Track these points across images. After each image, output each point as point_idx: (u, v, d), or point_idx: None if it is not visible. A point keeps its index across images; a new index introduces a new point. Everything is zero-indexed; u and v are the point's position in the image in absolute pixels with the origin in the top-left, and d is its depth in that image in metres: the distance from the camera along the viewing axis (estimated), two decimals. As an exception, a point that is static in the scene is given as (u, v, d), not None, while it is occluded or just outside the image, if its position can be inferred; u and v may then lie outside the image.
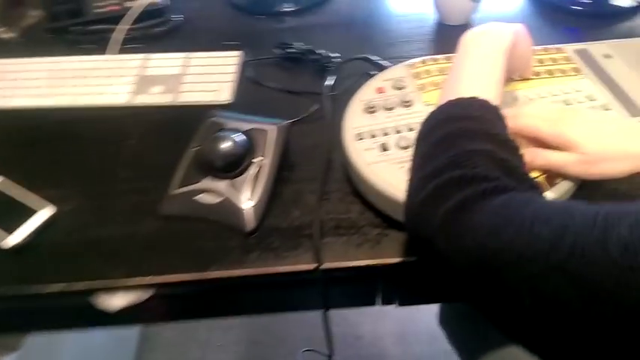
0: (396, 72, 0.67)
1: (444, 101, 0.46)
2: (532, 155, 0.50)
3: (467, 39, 0.55)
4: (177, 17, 0.89)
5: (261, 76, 0.77)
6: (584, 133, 0.47)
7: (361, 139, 0.59)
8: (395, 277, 0.59)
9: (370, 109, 0.62)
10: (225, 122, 0.64)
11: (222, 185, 0.58)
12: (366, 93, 0.65)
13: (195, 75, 0.77)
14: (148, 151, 0.68)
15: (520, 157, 0.42)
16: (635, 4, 0.83)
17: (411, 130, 0.59)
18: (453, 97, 0.45)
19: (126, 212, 0.60)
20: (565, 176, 0.50)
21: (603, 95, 0.61)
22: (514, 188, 0.37)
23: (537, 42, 0.76)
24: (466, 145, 0.40)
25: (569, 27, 0.81)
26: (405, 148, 0.57)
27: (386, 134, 0.59)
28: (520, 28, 0.57)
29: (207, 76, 0.77)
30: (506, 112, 0.51)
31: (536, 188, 0.39)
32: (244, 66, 0.79)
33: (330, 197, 0.60)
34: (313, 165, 0.63)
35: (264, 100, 0.74)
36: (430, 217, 0.37)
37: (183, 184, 0.60)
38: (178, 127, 0.68)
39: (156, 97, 0.74)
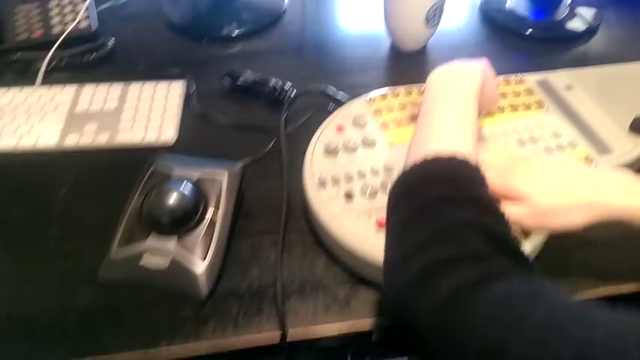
0: (355, 108, 0.63)
1: (418, 157, 0.42)
2: None
3: (434, 82, 0.51)
4: (110, 42, 0.81)
5: (209, 109, 0.71)
6: (535, 183, 0.45)
7: (323, 186, 0.54)
8: (367, 339, 0.54)
9: (331, 151, 0.57)
10: (171, 169, 0.57)
11: (170, 245, 0.52)
12: (326, 132, 0.60)
13: (134, 110, 0.70)
14: (82, 203, 0.60)
15: (505, 220, 0.39)
16: (587, 26, 0.82)
17: (376, 173, 0.55)
18: (428, 152, 0.41)
19: (58, 280, 0.53)
20: (524, 229, 0.48)
21: (569, 131, 0.60)
22: (510, 270, 0.33)
23: (495, 69, 0.74)
24: (450, 213, 0.36)
25: (525, 52, 0.80)
26: (372, 195, 0.53)
27: (350, 179, 0.55)
28: (485, 65, 0.54)
29: (148, 111, 0.69)
30: None
31: (531, 266, 0.36)
32: (189, 98, 0.72)
33: (292, 251, 0.55)
34: (271, 213, 0.58)
35: (212, 138, 0.68)
36: (418, 308, 0.32)
37: (124, 245, 0.53)
38: (117, 174, 0.61)
39: (90, 137, 0.66)
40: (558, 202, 0.44)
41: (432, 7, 0.71)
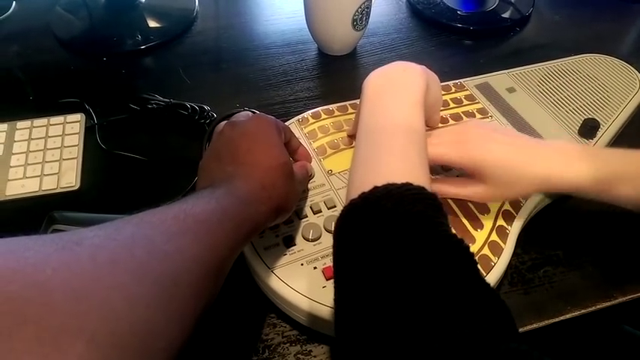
0: (286, 132, 0.56)
1: (366, 185, 0.35)
2: (444, 189, 0.48)
3: (371, 89, 0.44)
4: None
5: (115, 144, 0.61)
6: (491, 156, 0.44)
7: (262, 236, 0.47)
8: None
9: (263, 189, 0.50)
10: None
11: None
12: (255, 166, 0.52)
13: (25, 154, 0.59)
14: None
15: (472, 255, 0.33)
16: (519, 14, 0.79)
17: (318, 212, 0.48)
18: (376, 180, 0.35)
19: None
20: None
21: (517, 139, 0.56)
22: None
23: (431, 70, 0.69)
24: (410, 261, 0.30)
25: (459, 48, 0.75)
26: (316, 239, 0.47)
27: (288, 221, 0.48)
28: (426, 69, 0.48)
29: (42, 154, 0.59)
30: None
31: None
32: (90, 132, 0.62)
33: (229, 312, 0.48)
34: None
35: (123, 178, 0.58)
36: None
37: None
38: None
39: (-30, 193, 0.55)
40: (514, 180, 0.44)
41: (358, 9, 0.65)
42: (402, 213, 0.33)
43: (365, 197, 0.35)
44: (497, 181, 0.44)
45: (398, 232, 0.32)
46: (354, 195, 0.35)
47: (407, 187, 0.35)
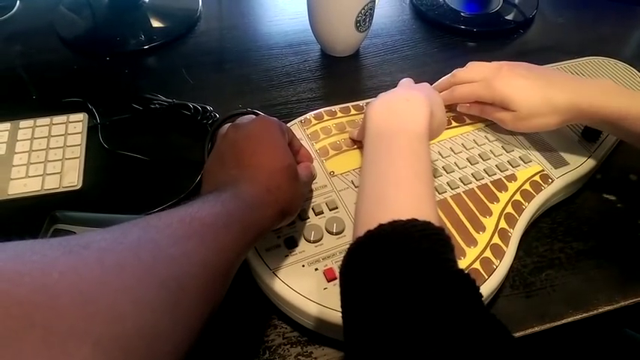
0: (288, 133, 0.56)
1: (372, 221, 0.35)
2: (478, 109, 0.56)
3: (376, 120, 0.44)
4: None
5: (118, 143, 0.61)
6: (516, 91, 0.51)
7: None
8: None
9: (265, 190, 0.50)
10: (76, 230, 0.48)
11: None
12: (257, 167, 0.52)
13: (26, 153, 0.59)
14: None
15: (478, 289, 0.33)
16: (523, 16, 0.79)
17: (319, 213, 0.49)
18: (382, 216, 0.35)
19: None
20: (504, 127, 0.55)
21: (519, 143, 0.55)
22: None
23: (434, 72, 0.69)
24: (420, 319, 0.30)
25: (462, 49, 0.75)
26: (317, 240, 0.46)
27: (290, 223, 0.48)
28: (429, 90, 0.48)
29: (45, 153, 0.59)
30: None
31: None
32: (93, 131, 0.62)
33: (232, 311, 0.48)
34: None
35: (125, 178, 0.58)
36: None
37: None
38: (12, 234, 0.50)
39: (-27, 192, 0.55)
40: (537, 107, 0.50)
41: (362, 10, 0.65)
42: (408, 250, 0.32)
43: (370, 235, 0.34)
44: (524, 112, 0.51)
45: (404, 270, 0.32)
46: (361, 232, 0.35)
47: (413, 223, 0.34)
